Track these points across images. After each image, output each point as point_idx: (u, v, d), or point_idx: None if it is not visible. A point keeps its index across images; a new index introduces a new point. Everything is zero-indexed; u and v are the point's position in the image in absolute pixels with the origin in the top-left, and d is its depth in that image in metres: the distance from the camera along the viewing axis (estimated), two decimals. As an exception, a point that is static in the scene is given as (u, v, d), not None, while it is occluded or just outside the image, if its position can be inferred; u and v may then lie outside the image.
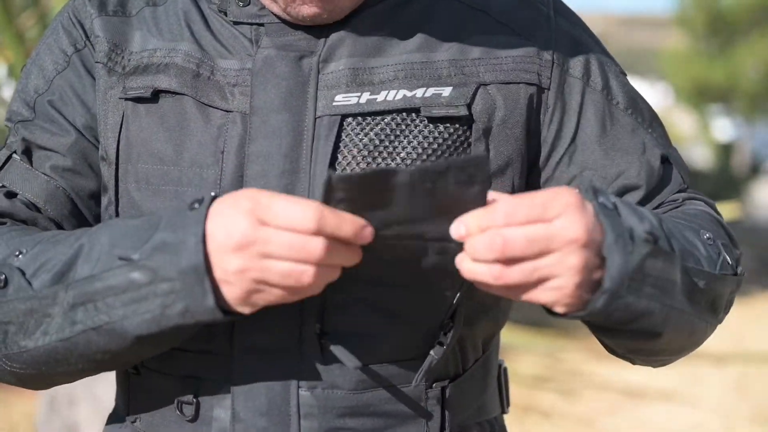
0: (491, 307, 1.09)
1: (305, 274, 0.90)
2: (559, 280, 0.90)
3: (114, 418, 1.15)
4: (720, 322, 1.08)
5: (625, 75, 1.18)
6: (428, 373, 1.05)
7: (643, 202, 1.12)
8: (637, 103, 1.16)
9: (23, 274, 0.98)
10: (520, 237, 0.88)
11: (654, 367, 1.12)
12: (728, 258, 1.06)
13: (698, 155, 19.01)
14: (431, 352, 1.05)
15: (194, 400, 1.05)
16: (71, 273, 0.96)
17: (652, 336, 0.99)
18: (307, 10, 1.04)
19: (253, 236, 0.90)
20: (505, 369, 1.21)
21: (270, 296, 0.93)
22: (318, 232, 0.89)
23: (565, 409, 5.25)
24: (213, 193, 0.95)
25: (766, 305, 8.32)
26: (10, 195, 1.09)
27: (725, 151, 18.50)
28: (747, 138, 21.01)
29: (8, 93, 4.67)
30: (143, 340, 0.95)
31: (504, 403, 1.19)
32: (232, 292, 0.92)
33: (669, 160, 1.15)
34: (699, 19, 18.00)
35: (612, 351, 1.08)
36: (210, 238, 0.92)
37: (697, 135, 20.85)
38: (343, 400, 1.04)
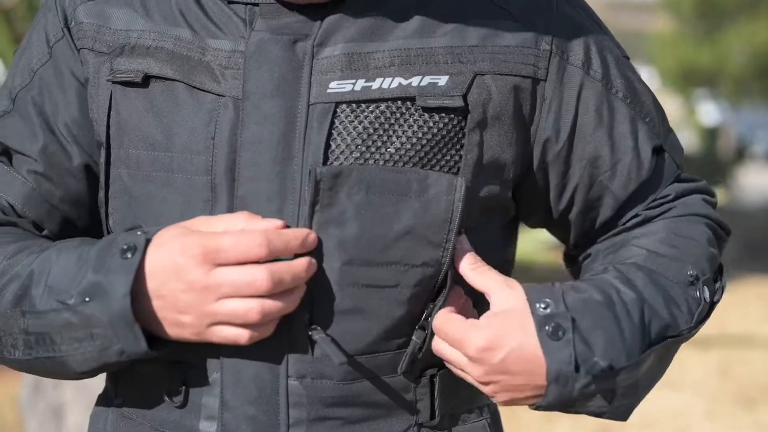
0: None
1: (252, 312, 0.97)
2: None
3: (103, 399, 1.15)
4: None
5: (628, 59, 1.16)
6: (414, 361, 1.05)
7: (634, 196, 1.13)
8: (636, 90, 1.14)
9: None
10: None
11: None
12: (707, 295, 1.10)
13: (684, 139, 19.06)
14: (413, 337, 1.04)
15: (183, 386, 1.05)
16: (26, 299, 1.02)
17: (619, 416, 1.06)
18: None
19: (208, 282, 0.97)
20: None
21: (221, 335, 0.99)
22: (270, 254, 0.97)
23: (550, 392, 5.26)
24: (146, 238, 0.98)
25: (749, 290, 8.37)
26: None
27: (711, 135, 18.57)
28: (732, 122, 21.07)
29: (-4, 73, 4.64)
30: (87, 373, 1.02)
31: (497, 389, 1.19)
32: (181, 334, 0.99)
33: (663, 148, 1.14)
34: (686, 3, 18.00)
35: None
36: (158, 286, 0.97)
37: (683, 119, 20.89)
38: (333, 390, 1.04)
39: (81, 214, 1.12)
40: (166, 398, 1.06)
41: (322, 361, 1.03)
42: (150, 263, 0.97)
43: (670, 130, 1.17)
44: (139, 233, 0.99)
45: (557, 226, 1.18)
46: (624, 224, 1.15)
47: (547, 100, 1.09)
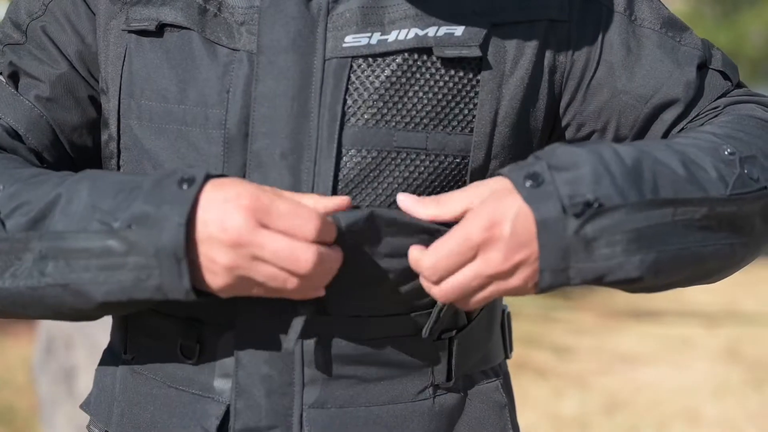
0: None
1: (290, 281, 0.92)
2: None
3: (109, 354, 1.13)
4: (763, 235, 1.04)
5: None
6: (436, 324, 1.04)
7: (681, 117, 1.10)
8: (664, 17, 1.12)
9: None
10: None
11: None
12: (751, 172, 1.01)
13: (698, 120, 18.91)
14: (438, 303, 1.03)
15: (197, 343, 1.04)
16: (46, 221, 0.95)
17: (633, 282, 0.95)
18: None
19: (248, 238, 0.91)
20: (509, 314, 1.21)
21: (251, 291, 0.94)
22: (316, 240, 0.92)
23: (559, 368, 5.28)
24: (207, 173, 0.93)
25: (759, 269, 8.35)
26: None
27: (726, 116, 18.43)
28: (748, 104, 20.92)
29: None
30: (109, 305, 0.95)
31: (507, 349, 1.19)
32: (214, 281, 0.93)
33: (706, 65, 1.11)
34: (704, -17, 17.87)
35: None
36: (201, 226, 0.91)
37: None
38: (348, 349, 1.03)
39: (87, 146, 1.09)
40: (180, 355, 1.05)
41: (338, 321, 1.02)
42: (202, 202, 0.92)
43: (711, 48, 1.13)
44: (198, 169, 0.94)
45: None
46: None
47: (572, 41, 1.07)
